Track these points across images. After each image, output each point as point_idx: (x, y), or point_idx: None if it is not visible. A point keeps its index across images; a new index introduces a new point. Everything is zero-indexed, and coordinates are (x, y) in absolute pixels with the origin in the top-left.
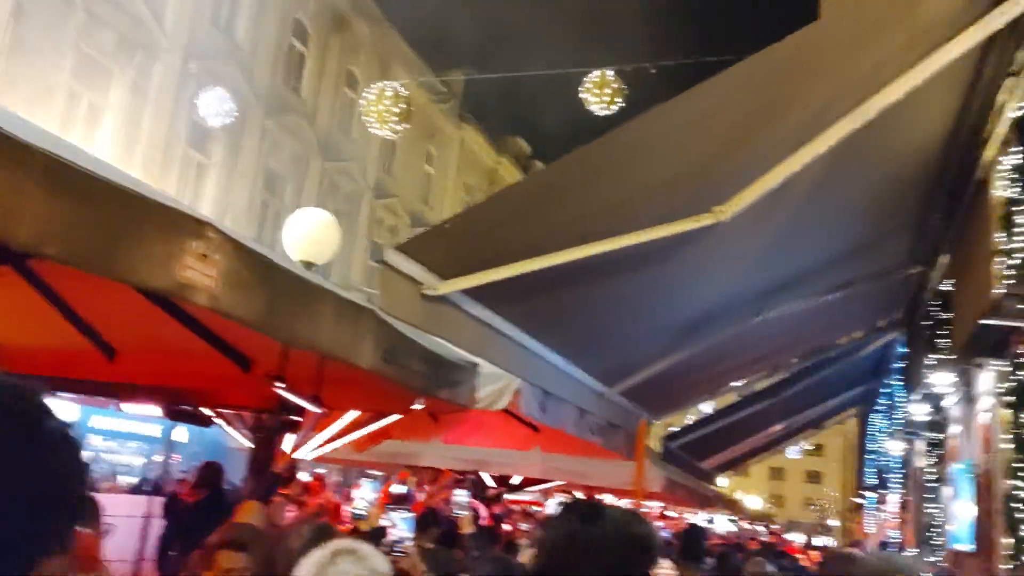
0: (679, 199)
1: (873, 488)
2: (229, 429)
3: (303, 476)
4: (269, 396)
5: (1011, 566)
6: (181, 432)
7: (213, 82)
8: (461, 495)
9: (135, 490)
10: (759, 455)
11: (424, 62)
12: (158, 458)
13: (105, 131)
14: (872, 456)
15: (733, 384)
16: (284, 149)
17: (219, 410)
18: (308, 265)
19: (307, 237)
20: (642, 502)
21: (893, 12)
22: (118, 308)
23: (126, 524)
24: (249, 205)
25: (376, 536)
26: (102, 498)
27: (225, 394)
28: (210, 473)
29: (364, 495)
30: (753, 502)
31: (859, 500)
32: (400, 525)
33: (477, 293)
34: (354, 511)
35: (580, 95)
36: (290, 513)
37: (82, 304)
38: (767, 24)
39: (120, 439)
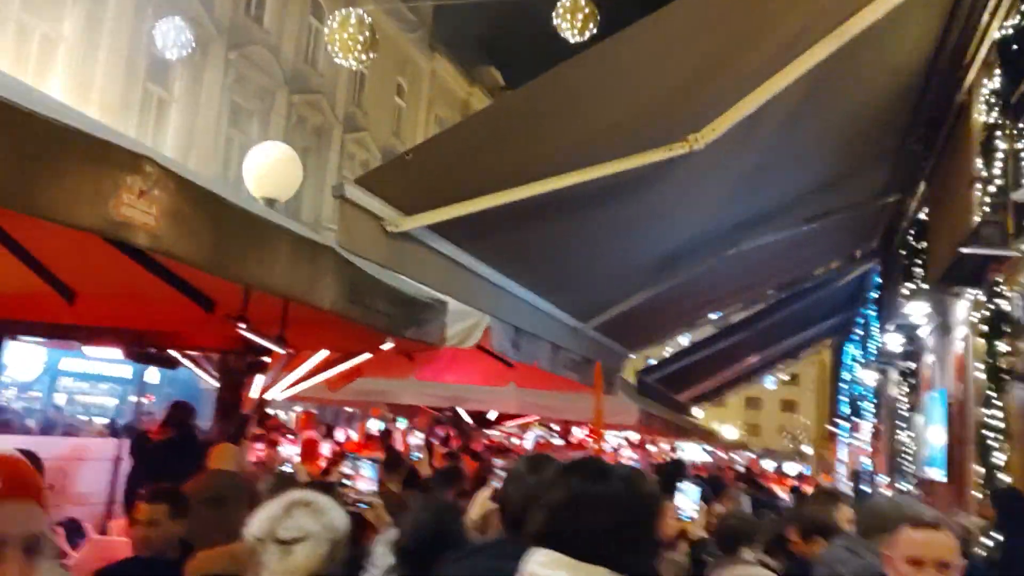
0: (653, 128)
1: (846, 417)
2: (197, 371)
3: (293, 413)
4: (235, 337)
5: (982, 494)
6: (153, 374)
7: (170, 13)
8: (417, 437)
9: (107, 431)
10: (735, 386)
11: None
12: (132, 399)
13: (59, 66)
14: (846, 385)
15: (711, 317)
16: (249, 82)
17: (186, 352)
18: (270, 202)
19: (267, 173)
20: (602, 434)
21: None
22: (76, 249)
23: (98, 466)
24: (214, 141)
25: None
26: (75, 441)
27: (190, 336)
28: (179, 412)
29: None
30: (729, 432)
31: (832, 429)
32: (364, 470)
33: (443, 229)
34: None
35: (554, 21)
36: (262, 453)
37: (38, 245)
38: None
39: (92, 381)
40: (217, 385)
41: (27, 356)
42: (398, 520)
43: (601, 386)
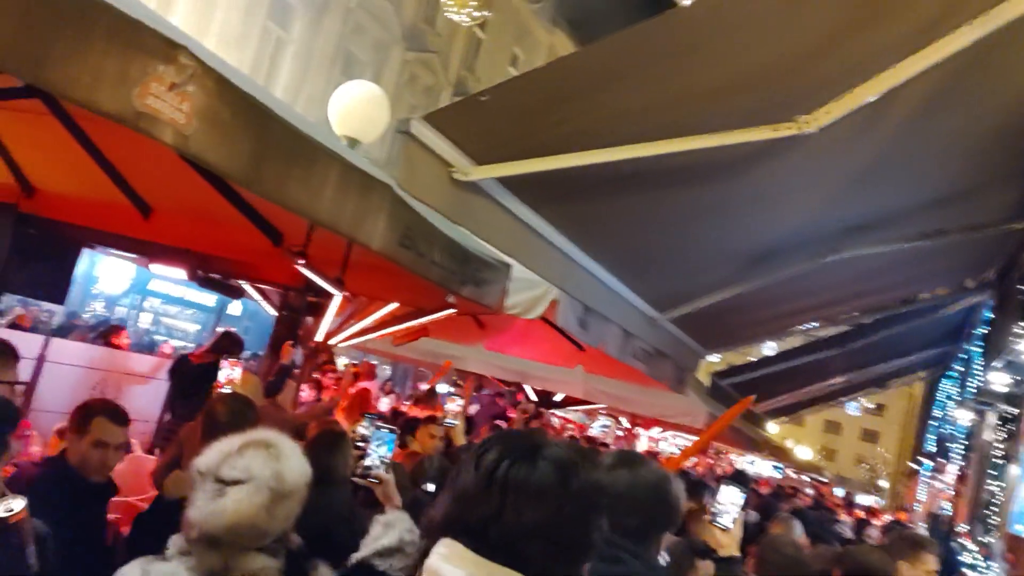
0: (759, 102)
1: (931, 456)
2: (264, 304)
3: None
4: (298, 274)
5: None
6: (236, 306)
7: None
8: (454, 403)
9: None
10: (815, 406)
11: None
12: (212, 327)
13: None
14: (936, 423)
15: (797, 328)
16: (366, 34)
17: (256, 284)
18: (352, 142)
19: (352, 110)
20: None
21: None
22: (155, 167)
23: (157, 386)
24: (324, 88)
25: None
26: (136, 357)
27: (258, 267)
28: (225, 341)
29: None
30: (803, 452)
31: (915, 466)
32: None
33: (515, 185)
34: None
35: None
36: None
37: (119, 158)
38: None
39: (177, 304)
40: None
41: (116, 271)
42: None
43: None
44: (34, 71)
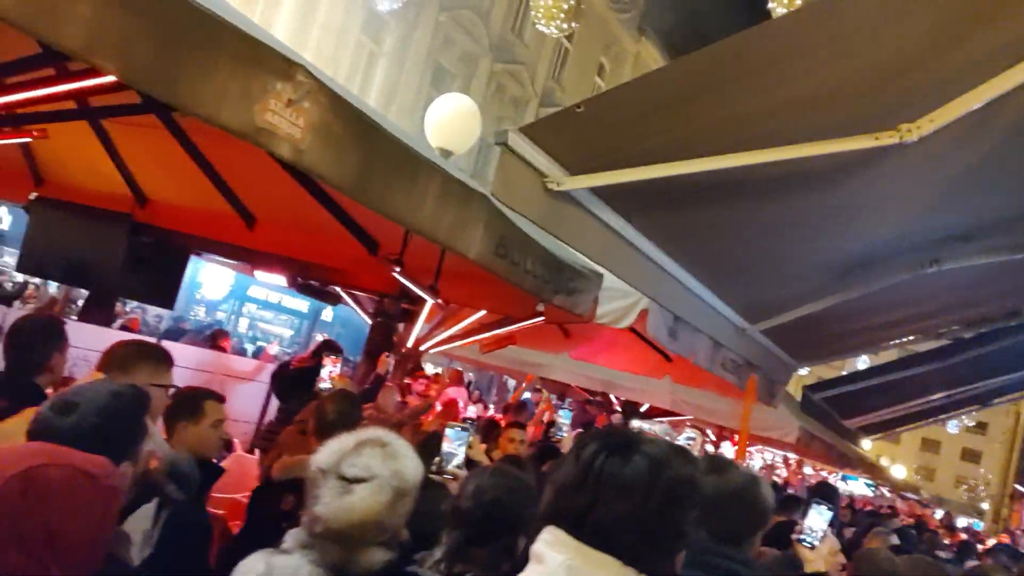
0: (859, 110)
1: None
2: (359, 310)
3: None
4: (393, 281)
5: None
6: (328, 312)
7: None
8: (565, 416)
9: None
10: (912, 423)
11: None
12: (306, 333)
13: (285, 9)
14: None
15: (894, 342)
16: (455, 45)
17: (351, 291)
18: (446, 153)
19: (446, 123)
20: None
21: None
22: (261, 178)
23: (256, 388)
24: (415, 99)
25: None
26: (241, 360)
27: (354, 275)
28: (325, 348)
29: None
30: (899, 471)
31: (1021, 488)
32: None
33: (607, 194)
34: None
35: (768, 5)
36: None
37: (227, 170)
38: None
39: (273, 310)
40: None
41: (217, 277)
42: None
43: (753, 393)
44: (168, 91)
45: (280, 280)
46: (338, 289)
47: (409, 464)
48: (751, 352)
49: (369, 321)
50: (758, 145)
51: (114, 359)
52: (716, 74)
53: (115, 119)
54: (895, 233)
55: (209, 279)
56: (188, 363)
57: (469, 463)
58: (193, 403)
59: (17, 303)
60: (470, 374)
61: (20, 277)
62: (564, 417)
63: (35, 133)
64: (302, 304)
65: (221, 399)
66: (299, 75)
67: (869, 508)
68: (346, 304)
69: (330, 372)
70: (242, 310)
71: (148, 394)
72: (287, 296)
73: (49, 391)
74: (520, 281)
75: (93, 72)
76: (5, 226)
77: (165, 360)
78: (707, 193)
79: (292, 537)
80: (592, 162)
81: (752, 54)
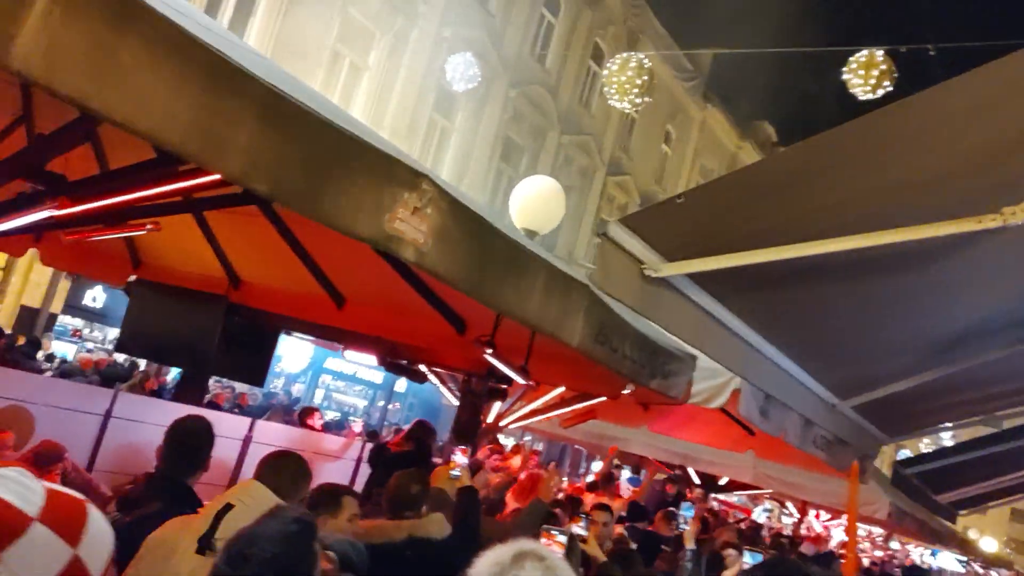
0: (955, 196)
1: None
2: (442, 387)
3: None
4: (480, 361)
5: None
6: (401, 383)
7: (464, 49)
8: (686, 509)
9: (362, 434)
10: (1005, 497)
11: (673, 39)
12: (379, 404)
13: (362, 91)
14: None
15: (984, 416)
16: (524, 119)
17: (434, 368)
18: (531, 234)
19: (532, 205)
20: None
21: None
22: (351, 260)
23: (343, 464)
24: (486, 172)
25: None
26: (331, 437)
27: (440, 354)
28: (420, 430)
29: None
30: (988, 544)
31: None
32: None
33: (702, 279)
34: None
35: (843, 76)
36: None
37: (319, 253)
38: None
39: (348, 381)
40: (456, 403)
41: (297, 351)
42: None
43: (856, 474)
44: (311, 208)
45: (371, 360)
46: (423, 367)
47: (567, 574)
48: (841, 428)
49: (451, 396)
50: (854, 230)
51: (322, 500)
52: (812, 165)
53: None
54: (990, 312)
55: (289, 352)
56: (279, 441)
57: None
58: (333, 498)
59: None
60: (540, 444)
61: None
62: (686, 511)
63: (150, 225)
64: (376, 376)
65: (356, 495)
66: (424, 184)
67: None
68: (431, 383)
69: (455, 460)
70: (318, 382)
71: (315, 522)
72: (362, 368)
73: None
74: (618, 366)
75: (201, 172)
76: (99, 304)
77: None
78: (800, 274)
79: None
80: (688, 249)
81: (848, 145)
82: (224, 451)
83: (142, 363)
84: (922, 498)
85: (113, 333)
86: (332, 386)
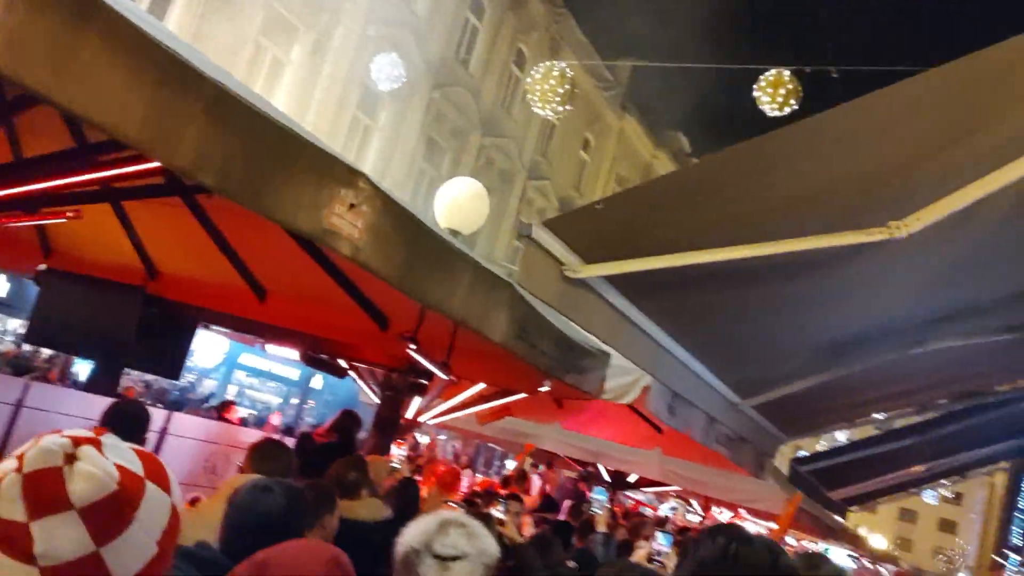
0: (849, 209)
1: (1018, 550)
2: (361, 383)
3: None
4: (401, 357)
5: None
6: (317, 380)
7: (388, 48)
8: (599, 492)
9: (279, 429)
10: (891, 494)
11: (594, 48)
12: (294, 401)
13: (284, 85)
14: (1021, 515)
15: (875, 416)
16: (447, 120)
17: (354, 363)
18: (454, 233)
19: (456, 205)
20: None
21: None
22: (273, 253)
23: None
24: (408, 172)
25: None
26: (253, 432)
27: (361, 349)
28: (346, 420)
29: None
30: (877, 541)
31: (999, 559)
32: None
33: (619, 281)
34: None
35: (753, 94)
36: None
37: (241, 245)
38: (969, 35)
39: (262, 377)
40: (376, 400)
41: (212, 345)
42: None
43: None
44: (254, 201)
45: (290, 354)
46: (343, 362)
47: (490, 542)
48: (742, 426)
49: (370, 392)
50: (758, 239)
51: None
52: (720, 177)
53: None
54: (883, 316)
55: (203, 347)
56: (196, 434)
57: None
58: (332, 497)
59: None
60: (456, 443)
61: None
62: (599, 494)
63: (70, 213)
64: (292, 372)
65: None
66: (360, 182)
67: None
68: (352, 378)
69: (395, 454)
70: (232, 378)
71: None
72: (277, 364)
73: None
74: (536, 361)
75: (121, 162)
76: (2, 293)
77: None
78: (707, 279)
79: None
80: (605, 252)
81: (754, 159)
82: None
83: (46, 354)
84: (816, 495)
85: (15, 324)
86: (246, 383)
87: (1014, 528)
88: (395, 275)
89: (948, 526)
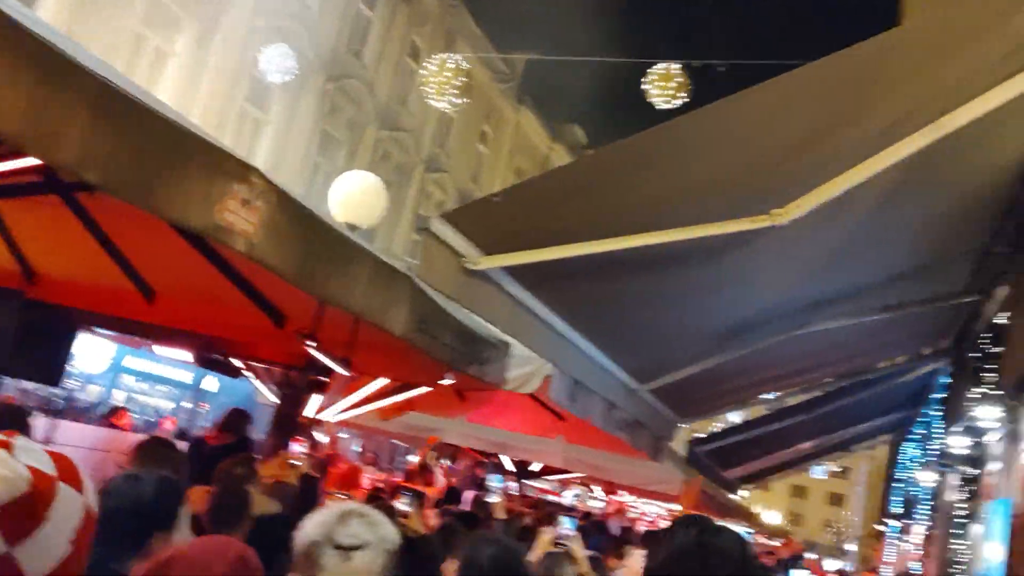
0: (735, 198)
1: (898, 517)
2: (257, 382)
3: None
4: (299, 354)
5: None
6: (211, 382)
7: (278, 39)
8: (495, 480)
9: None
10: (783, 471)
11: (489, 41)
12: (187, 405)
13: (168, 78)
14: (900, 485)
15: (765, 396)
16: (341, 113)
17: (250, 363)
18: (352, 228)
19: (353, 199)
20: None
21: (983, 22)
22: (161, 252)
23: None
24: (302, 166)
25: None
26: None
27: (257, 347)
28: (237, 418)
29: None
30: (772, 518)
31: (881, 528)
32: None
33: (518, 272)
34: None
35: (643, 86)
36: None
37: (127, 244)
38: (847, 31)
39: (152, 381)
40: (274, 399)
41: (96, 349)
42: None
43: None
44: (143, 198)
45: (183, 356)
46: (238, 362)
47: (391, 529)
48: (641, 410)
49: (267, 392)
50: (649, 228)
51: None
52: (613, 169)
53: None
54: (769, 301)
55: (85, 352)
56: (84, 443)
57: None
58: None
59: None
60: (359, 441)
61: None
62: (496, 481)
63: None
64: (185, 375)
65: None
66: (253, 177)
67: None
68: (248, 378)
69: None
70: (118, 382)
71: None
72: (167, 367)
73: None
74: (439, 353)
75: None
76: None
77: None
78: (604, 267)
79: None
80: (504, 244)
81: (645, 151)
82: None
83: None
84: (712, 474)
85: None
86: (134, 387)
87: (893, 498)
88: (292, 271)
89: (836, 500)
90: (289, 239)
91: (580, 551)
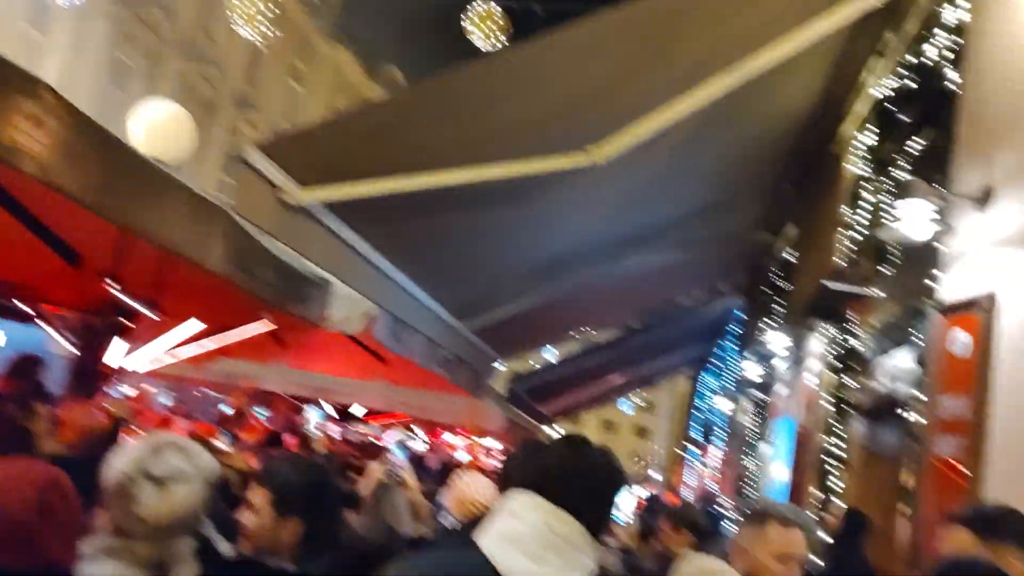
0: (552, 136)
1: (697, 442)
2: (50, 330)
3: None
4: (100, 297)
5: (819, 517)
6: None
7: None
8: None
9: None
10: (593, 405)
11: None
12: None
13: None
14: (700, 413)
15: (576, 334)
16: (138, 41)
17: (40, 308)
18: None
19: (156, 129)
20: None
21: None
22: None
23: None
24: (92, 98)
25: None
26: None
27: (48, 290)
28: (27, 364)
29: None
30: None
31: (681, 452)
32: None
33: (338, 208)
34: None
35: (463, 25)
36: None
37: None
38: None
39: None
40: (71, 349)
41: None
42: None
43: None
44: None
45: None
46: (27, 308)
47: (209, 458)
48: (461, 347)
49: (63, 341)
50: (470, 163)
51: None
52: (433, 103)
53: None
54: (584, 239)
55: None
56: None
57: None
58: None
59: None
60: (170, 392)
61: None
62: (318, 416)
63: None
64: None
65: None
66: (43, 92)
67: None
68: (39, 326)
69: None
70: None
71: None
72: None
73: None
74: (257, 291)
75: None
76: None
77: None
78: (425, 205)
79: (93, 546)
80: (323, 177)
81: (464, 87)
82: None
83: None
84: (529, 410)
85: None
86: None
87: (693, 424)
88: (91, 197)
89: (642, 432)
90: (87, 162)
91: (412, 479)
